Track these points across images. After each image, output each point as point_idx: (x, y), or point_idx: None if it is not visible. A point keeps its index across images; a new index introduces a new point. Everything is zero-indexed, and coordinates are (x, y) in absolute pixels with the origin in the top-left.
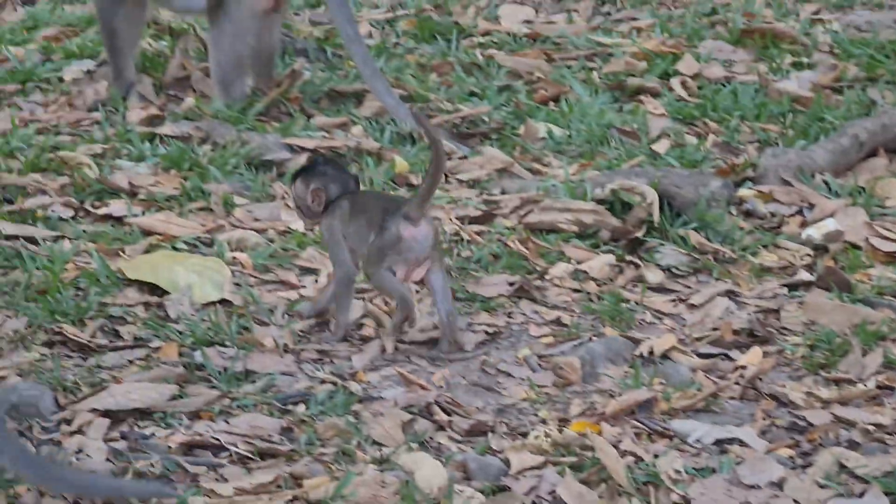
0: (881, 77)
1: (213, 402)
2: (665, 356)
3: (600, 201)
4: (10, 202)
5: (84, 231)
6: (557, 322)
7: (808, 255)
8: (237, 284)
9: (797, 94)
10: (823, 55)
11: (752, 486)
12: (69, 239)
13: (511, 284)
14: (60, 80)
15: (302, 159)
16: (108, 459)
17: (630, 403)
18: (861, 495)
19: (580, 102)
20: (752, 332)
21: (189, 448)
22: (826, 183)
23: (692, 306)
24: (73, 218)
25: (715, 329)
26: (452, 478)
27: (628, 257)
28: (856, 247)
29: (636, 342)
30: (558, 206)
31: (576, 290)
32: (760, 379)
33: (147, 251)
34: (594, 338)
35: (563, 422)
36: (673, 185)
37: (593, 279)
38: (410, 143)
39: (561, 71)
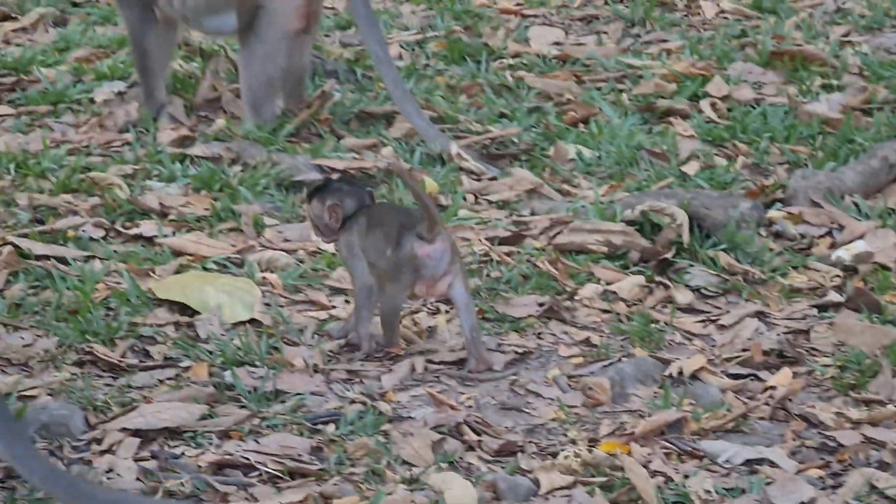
0: None
1: (242, 422)
2: (694, 377)
3: (630, 222)
4: (42, 223)
5: (115, 251)
6: (587, 342)
7: (838, 276)
8: (267, 304)
9: (827, 116)
10: (853, 77)
11: None
12: (100, 259)
13: (541, 305)
14: (92, 101)
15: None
16: (138, 479)
17: (660, 424)
18: None
19: (610, 124)
20: (782, 353)
21: (219, 467)
22: (856, 204)
23: (722, 327)
24: (103, 238)
25: (745, 350)
26: (482, 498)
27: (658, 278)
28: (885, 268)
29: (666, 363)
30: (588, 228)
31: (605, 311)
32: (790, 399)
33: (177, 271)
34: (624, 358)
35: (593, 442)
36: (703, 207)
37: (623, 300)
38: (440, 164)
39: (590, 92)
